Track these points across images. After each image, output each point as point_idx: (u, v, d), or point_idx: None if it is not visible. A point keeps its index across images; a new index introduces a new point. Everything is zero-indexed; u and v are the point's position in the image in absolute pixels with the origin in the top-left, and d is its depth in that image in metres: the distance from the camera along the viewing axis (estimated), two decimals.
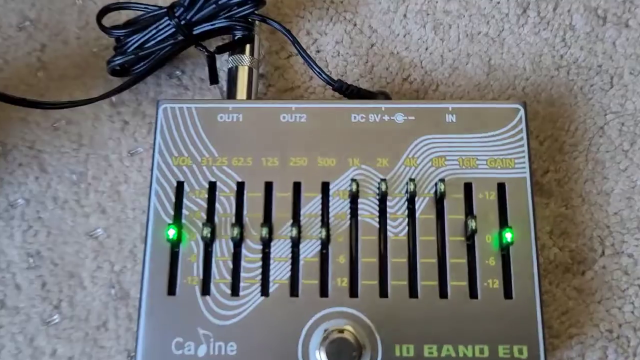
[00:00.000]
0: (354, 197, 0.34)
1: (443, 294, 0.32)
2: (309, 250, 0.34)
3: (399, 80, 0.42)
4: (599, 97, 0.41)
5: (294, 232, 0.34)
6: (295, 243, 0.34)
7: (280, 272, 0.33)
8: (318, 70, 0.39)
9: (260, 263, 0.33)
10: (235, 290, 0.33)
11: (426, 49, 0.42)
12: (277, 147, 0.36)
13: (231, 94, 0.39)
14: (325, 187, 0.34)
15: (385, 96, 0.39)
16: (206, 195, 0.34)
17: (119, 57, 0.39)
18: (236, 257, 0.33)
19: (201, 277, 0.33)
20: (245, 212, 0.34)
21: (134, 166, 0.40)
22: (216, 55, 0.39)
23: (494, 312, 0.32)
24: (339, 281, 0.33)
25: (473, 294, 0.32)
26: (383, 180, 0.36)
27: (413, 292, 0.32)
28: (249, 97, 0.38)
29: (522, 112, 0.35)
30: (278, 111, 0.37)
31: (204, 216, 0.34)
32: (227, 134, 0.36)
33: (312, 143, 0.36)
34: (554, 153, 0.40)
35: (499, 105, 0.36)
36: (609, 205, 0.39)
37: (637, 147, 0.40)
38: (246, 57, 0.39)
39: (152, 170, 0.35)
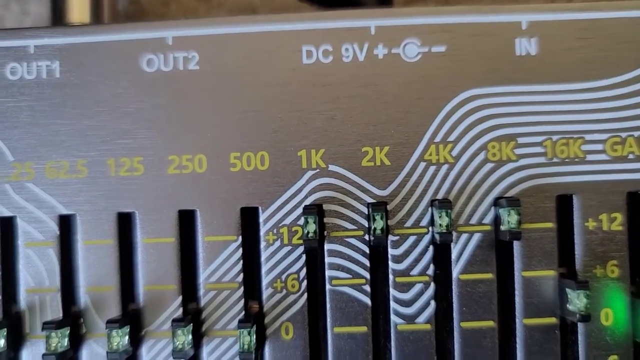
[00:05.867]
0: (312, 244, 0.17)
1: None
2: None
3: None
4: None
5: (184, 330, 0.17)
6: (190, 343, 0.17)
7: None
8: None
9: None
10: None
11: None
12: (139, 131, 0.18)
13: (58, 11, 0.24)
14: (250, 221, 0.18)
15: None
16: None
17: None
18: None
19: None
20: (80, 280, 0.18)
21: None
22: None
23: None
24: None
25: None
26: (378, 204, 0.17)
27: None
28: (97, 15, 0.24)
29: None
30: (138, 48, 0.18)
31: None
32: (29, 110, 0.18)
33: (214, 120, 0.18)
34: None
35: (631, 12, 0.18)
36: None
37: None
38: None
39: None
